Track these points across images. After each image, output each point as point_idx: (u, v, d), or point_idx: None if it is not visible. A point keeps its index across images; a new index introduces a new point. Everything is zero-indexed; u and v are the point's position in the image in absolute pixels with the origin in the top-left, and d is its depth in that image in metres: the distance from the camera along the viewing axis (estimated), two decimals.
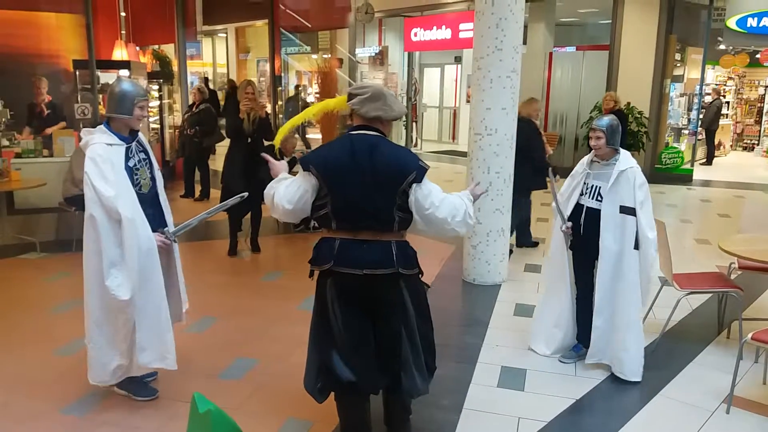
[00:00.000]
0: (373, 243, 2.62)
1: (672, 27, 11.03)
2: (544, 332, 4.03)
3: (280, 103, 7.90)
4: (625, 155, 3.66)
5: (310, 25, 8.69)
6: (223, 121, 7.64)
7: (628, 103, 10.91)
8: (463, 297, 5.23)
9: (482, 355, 4.02)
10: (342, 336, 2.69)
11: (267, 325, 4.55)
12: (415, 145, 15.86)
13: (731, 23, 10.76)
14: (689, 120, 12.61)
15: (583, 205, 3.75)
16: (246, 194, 3.48)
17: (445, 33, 13.38)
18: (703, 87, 12.72)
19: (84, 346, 4.04)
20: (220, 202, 6.23)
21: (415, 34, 14.08)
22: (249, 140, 5.97)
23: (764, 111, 15.16)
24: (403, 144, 15.36)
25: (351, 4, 8.28)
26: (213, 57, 19.35)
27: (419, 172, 2.61)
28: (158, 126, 9.14)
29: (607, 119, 3.65)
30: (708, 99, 14.20)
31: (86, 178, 3.04)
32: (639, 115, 10.82)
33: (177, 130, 9.11)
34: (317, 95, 17.66)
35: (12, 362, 3.86)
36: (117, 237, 3.08)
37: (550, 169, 4.32)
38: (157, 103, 9.21)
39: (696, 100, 12.47)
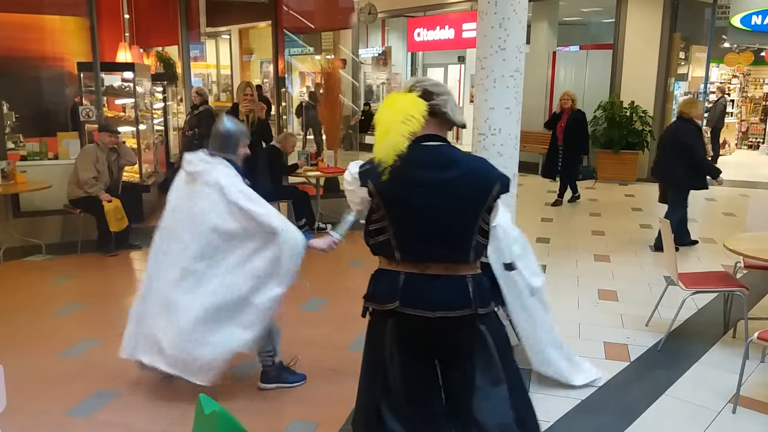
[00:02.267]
0: (446, 278, 2.13)
1: (676, 25, 11.00)
2: None
3: (284, 104, 7.90)
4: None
5: (313, 26, 8.67)
6: None
7: (632, 102, 10.90)
8: None
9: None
10: (398, 388, 2.20)
11: None
12: None
13: (736, 21, 10.73)
14: None
15: None
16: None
17: (448, 33, 13.38)
18: (708, 85, 12.67)
19: (89, 349, 4.08)
20: None
21: (419, 34, 14.09)
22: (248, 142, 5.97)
23: None
24: None
25: (354, 5, 8.27)
26: (216, 59, 19.37)
27: (503, 181, 2.17)
28: (162, 128, 9.15)
29: None
30: (713, 97, 14.16)
31: (237, 205, 3.20)
32: (643, 114, 10.80)
33: (180, 133, 9.12)
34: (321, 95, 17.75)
35: (18, 364, 3.86)
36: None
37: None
38: (161, 105, 9.21)
39: (701, 99, 12.43)
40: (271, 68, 19.13)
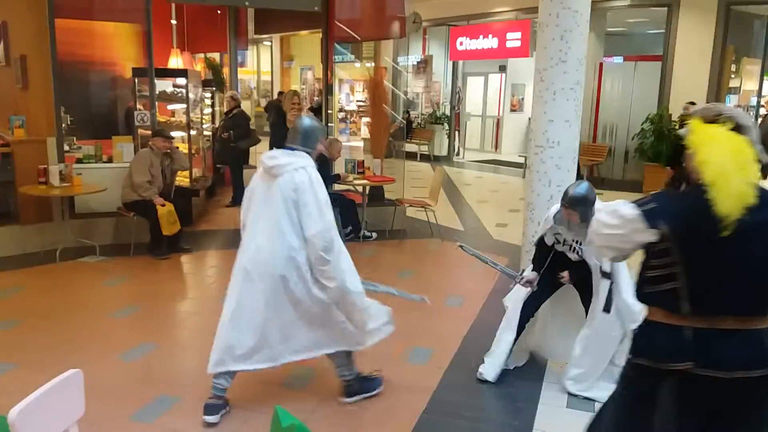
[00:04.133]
0: (741, 333, 1.90)
1: (727, 37, 10.74)
2: None
3: (330, 111, 7.93)
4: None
5: (360, 37, 8.70)
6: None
7: (681, 116, 10.66)
8: None
9: (548, 374, 3.92)
10: None
11: None
12: (458, 154, 15.78)
13: None
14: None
15: (564, 254, 3.67)
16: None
17: (491, 42, 13.31)
18: (761, 99, 12.35)
19: (148, 352, 4.11)
20: None
21: (461, 43, 14.04)
22: None
23: None
24: (445, 153, 15.31)
25: (405, 16, 8.27)
26: (258, 65, 19.61)
27: None
28: (210, 134, 9.26)
29: (581, 193, 3.34)
30: (763, 111, 13.78)
31: (319, 200, 3.16)
32: None
33: (213, 136, 9.24)
34: (360, 104, 17.80)
35: (77, 365, 3.90)
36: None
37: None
38: (210, 110, 9.32)
39: (752, 113, 12.11)
40: (309, 75, 19.37)
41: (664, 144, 10.59)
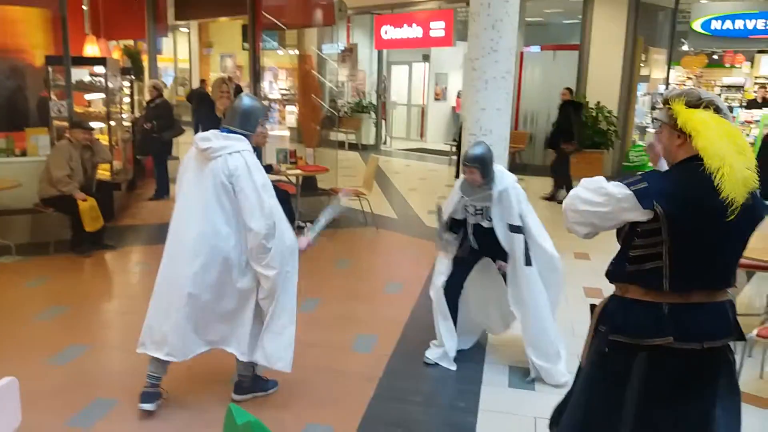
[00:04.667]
0: (709, 306, 2.01)
1: (637, 28, 11.32)
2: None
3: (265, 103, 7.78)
4: (500, 175, 3.66)
5: (286, 26, 8.55)
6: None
7: (598, 103, 11.17)
8: None
9: (488, 355, 4.05)
10: (628, 425, 2.06)
11: None
12: (385, 143, 15.86)
13: (696, 26, 11.11)
14: (654, 119, 12.97)
15: (476, 224, 3.80)
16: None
17: (416, 31, 13.40)
18: (667, 87, 13.09)
19: (78, 355, 3.92)
20: None
21: (386, 32, 14.06)
22: None
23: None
24: (372, 142, 15.36)
25: (334, 3, 8.20)
26: (174, 52, 18.91)
27: (758, 198, 2.02)
28: (130, 124, 8.86)
29: (479, 151, 3.58)
30: None
31: (256, 185, 2.99)
32: (608, 114, 11.07)
33: (132, 126, 8.87)
34: (283, 93, 17.52)
35: (6, 372, 3.67)
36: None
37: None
38: (128, 100, 8.92)
39: (658, 100, 12.83)
40: (229, 62, 18.86)
41: (582, 130, 11.05)
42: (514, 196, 3.60)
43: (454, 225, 3.85)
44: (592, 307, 2.25)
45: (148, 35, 9.26)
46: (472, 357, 4.01)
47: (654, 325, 1.99)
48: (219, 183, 3.01)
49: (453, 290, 3.87)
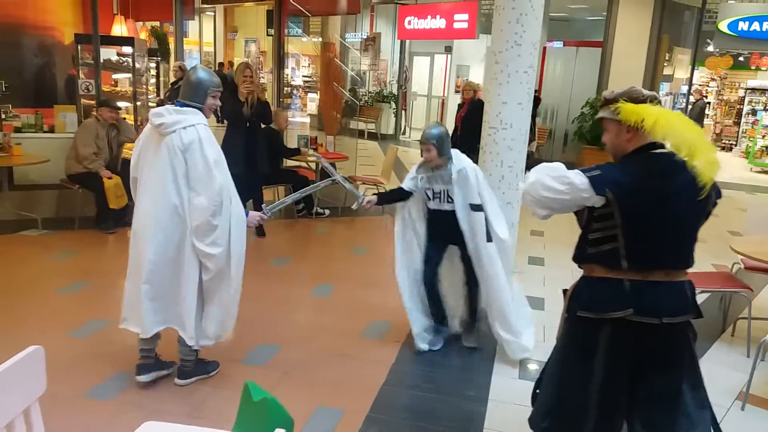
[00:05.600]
0: (667, 284, 2.16)
1: (662, 26, 11.21)
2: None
3: (286, 89, 7.85)
4: (457, 156, 3.79)
5: (311, 13, 8.58)
6: None
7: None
8: None
9: (499, 347, 4.08)
10: (597, 396, 2.20)
11: (283, 311, 4.56)
12: (404, 133, 15.87)
13: (723, 26, 10.98)
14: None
15: (436, 210, 3.87)
16: (337, 177, 3.87)
17: (439, 23, 13.36)
18: (691, 88, 12.96)
19: (99, 329, 4.03)
20: None
21: (409, 23, 14.03)
22: (248, 124, 5.93)
23: (743, 112, 15.54)
24: (392, 132, 15.38)
25: None
26: (200, 36, 19.00)
27: (715, 183, 2.18)
28: (155, 104, 8.97)
29: (435, 131, 3.71)
30: (692, 99, 14.50)
31: (208, 160, 3.01)
32: None
33: (157, 107, 8.98)
34: (306, 80, 17.57)
35: (28, 343, 3.80)
36: None
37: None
38: (154, 81, 9.03)
39: (682, 100, 12.72)
40: (253, 47, 18.94)
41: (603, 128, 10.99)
42: (473, 175, 3.72)
43: (400, 194, 3.94)
44: (565, 291, 2.39)
45: (175, 17, 9.35)
46: (483, 347, 4.06)
47: (616, 299, 2.15)
48: (175, 158, 3.00)
49: (427, 278, 3.96)
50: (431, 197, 3.86)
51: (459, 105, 8.96)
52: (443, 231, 3.88)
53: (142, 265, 3.14)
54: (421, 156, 3.79)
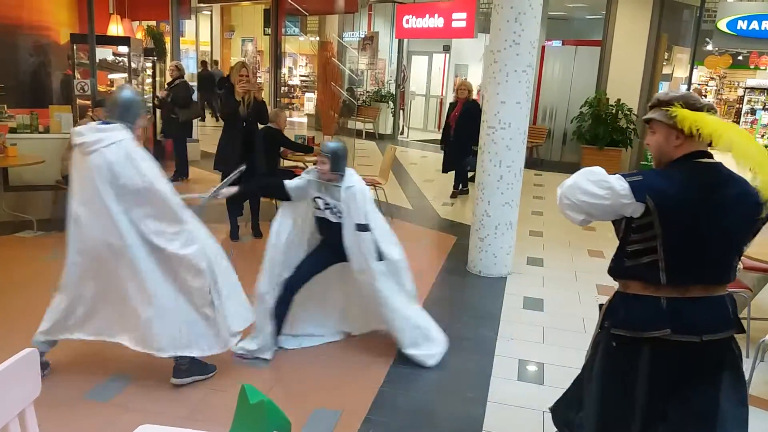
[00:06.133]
0: (707, 300, 2.07)
1: (661, 25, 11.19)
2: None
3: (284, 89, 7.81)
4: (350, 174, 3.71)
5: (308, 12, 8.56)
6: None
7: (618, 100, 11.08)
8: (471, 289, 5.26)
9: (498, 348, 4.06)
10: (640, 422, 2.12)
11: None
12: (402, 133, 15.85)
13: (722, 25, 10.96)
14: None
15: (322, 218, 3.80)
16: (244, 167, 3.80)
17: (437, 21, 13.34)
18: (691, 87, 12.94)
19: None
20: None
21: (407, 21, 14.01)
22: (244, 124, 5.90)
23: (743, 112, 15.53)
24: (390, 132, 15.35)
25: None
26: (196, 35, 18.95)
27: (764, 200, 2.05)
28: (151, 105, 8.93)
29: (332, 145, 3.67)
30: None
31: (147, 174, 3.00)
32: (628, 112, 10.98)
33: (153, 107, 8.94)
34: (303, 79, 17.56)
35: (24, 345, 3.76)
36: None
37: None
38: (150, 81, 8.99)
39: None
40: (250, 47, 18.91)
41: (601, 128, 11.00)
42: (360, 195, 3.64)
43: (278, 191, 3.88)
44: (601, 306, 2.30)
45: (172, 17, 9.30)
46: (482, 349, 4.04)
47: (652, 318, 2.06)
48: (105, 178, 2.95)
49: (292, 284, 3.79)
50: (322, 207, 3.77)
51: (451, 104, 8.93)
52: (331, 243, 3.78)
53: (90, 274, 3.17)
54: (314, 166, 3.78)
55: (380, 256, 3.65)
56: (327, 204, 3.75)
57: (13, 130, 6.23)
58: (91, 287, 3.24)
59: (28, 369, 2.23)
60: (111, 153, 2.95)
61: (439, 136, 15.98)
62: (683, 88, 12.60)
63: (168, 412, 3.13)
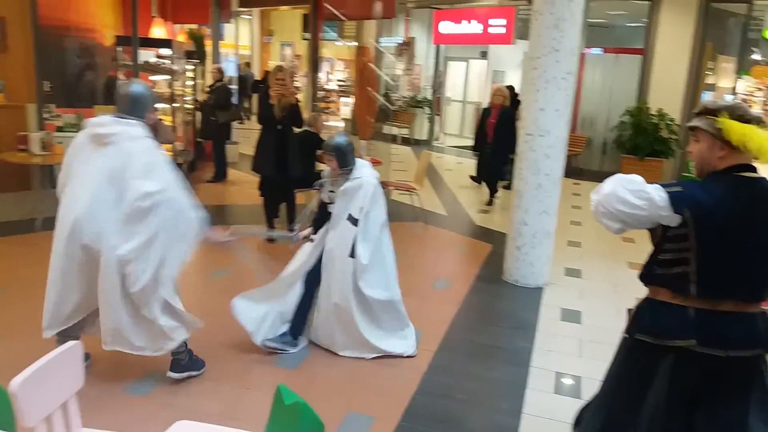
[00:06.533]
0: (737, 315, 2.03)
1: (706, 34, 10.94)
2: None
3: (320, 94, 7.89)
4: (361, 166, 3.71)
5: (346, 17, 8.60)
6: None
7: (660, 110, 10.85)
8: (507, 298, 5.19)
9: (534, 360, 4.00)
10: (646, 427, 2.11)
11: None
12: (437, 139, 15.81)
13: None
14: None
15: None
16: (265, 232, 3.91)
17: (475, 27, 13.29)
18: (735, 97, 12.62)
19: None
20: (259, 188, 6.22)
21: (444, 27, 13.99)
22: (279, 127, 5.95)
23: None
24: (425, 137, 15.33)
25: None
26: (236, 39, 19.23)
27: None
28: (191, 107, 9.10)
29: (335, 141, 3.65)
30: None
31: (161, 167, 3.04)
32: (670, 122, 10.75)
33: (194, 109, 9.08)
34: (340, 84, 17.65)
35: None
36: None
37: None
38: (191, 83, 9.15)
39: None
40: (288, 51, 19.10)
41: (642, 138, 10.78)
42: (364, 189, 3.64)
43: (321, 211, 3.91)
44: (629, 311, 2.28)
45: (212, 20, 9.46)
46: (517, 360, 3.98)
47: (679, 327, 2.04)
48: (116, 167, 2.95)
49: (312, 280, 3.84)
50: (334, 201, 3.81)
51: (485, 110, 8.84)
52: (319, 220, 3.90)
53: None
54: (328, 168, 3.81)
55: (352, 252, 3.66)
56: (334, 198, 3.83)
57: (60, 129, 6.40)
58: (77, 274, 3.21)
59: (71, 361, 2.29)
60: (134, 145, 2.99)
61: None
62: (728, 98, 12.29)
63: (204, 409, 3.16)
